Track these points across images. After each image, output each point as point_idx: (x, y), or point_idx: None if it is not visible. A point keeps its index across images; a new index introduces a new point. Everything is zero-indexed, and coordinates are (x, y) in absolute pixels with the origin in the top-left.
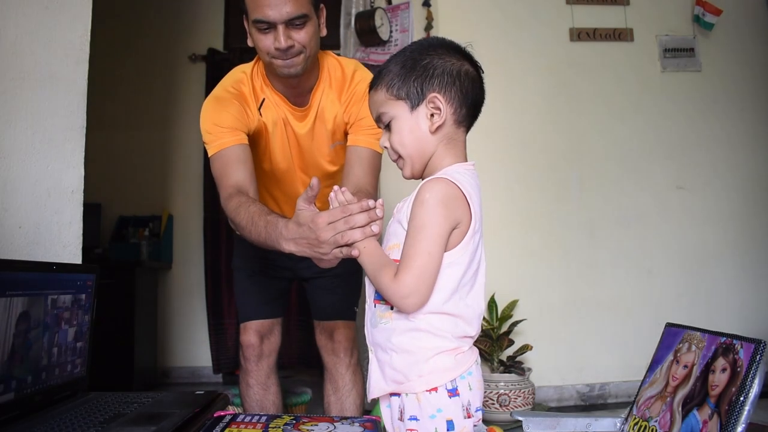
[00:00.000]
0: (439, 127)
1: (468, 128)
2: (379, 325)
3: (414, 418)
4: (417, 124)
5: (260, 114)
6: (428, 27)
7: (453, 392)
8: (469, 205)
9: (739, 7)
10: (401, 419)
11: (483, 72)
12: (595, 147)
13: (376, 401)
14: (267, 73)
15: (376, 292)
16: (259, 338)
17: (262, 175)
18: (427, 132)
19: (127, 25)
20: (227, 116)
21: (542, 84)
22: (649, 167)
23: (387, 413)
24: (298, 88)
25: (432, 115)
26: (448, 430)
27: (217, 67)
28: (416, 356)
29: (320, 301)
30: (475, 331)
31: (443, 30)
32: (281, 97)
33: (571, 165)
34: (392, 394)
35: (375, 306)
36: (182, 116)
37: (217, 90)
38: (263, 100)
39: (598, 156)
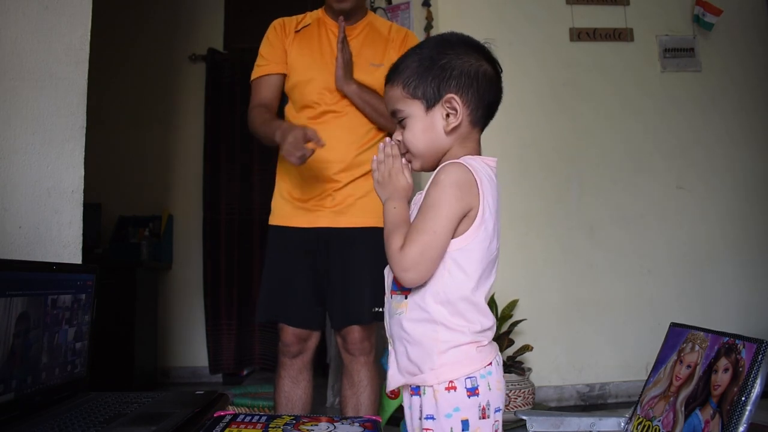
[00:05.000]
0: (454, 128)
1: (483, 128)
2: (395, 315)
3: (430, 417)
4: (432, 124)
5: (295, 33)
6: (428, 27)
7: (472, 391)
8: (479, 191)
9: (739, 7)
10: (420, 418)
11: (501, 70)
12: (595, 147)
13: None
14: (325, 8)
15: (393, 283)
16: (297, 339)
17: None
18: (442, 132)
19: (127, 25)
20: (266, 46)
21: (542, 84)
22: (649, 167)
23: (408, 414)
24: (349, 20)
25: (448, 116)
26: (462, 430)
27: (217, 67)
28: (429, 348)
29: (334, 305)
30: (491, 322)
31: (443, 30)
32: (332, 21)
33: (571, 165)
34: (412, 395)
35: (391, 297)
36: (182, 116)
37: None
38: (308, 24)
39: (598, 156)
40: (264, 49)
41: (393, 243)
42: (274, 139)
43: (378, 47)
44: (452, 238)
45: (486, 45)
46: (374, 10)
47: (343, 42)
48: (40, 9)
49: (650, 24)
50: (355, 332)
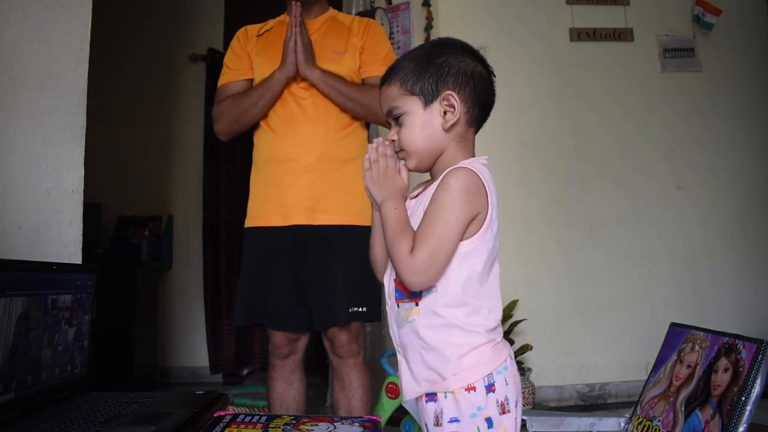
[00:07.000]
0: (452, 125)
1: (477, 129)
2: (405, 324)
3: (455, 420)
4: (429, 121)
5: (257, 38)
6: (428, 27)
7: (489, 388)
8: (487, 195)
9: (739, 7)
10: (438, 424)
11: (495, 76)
12: (594, 147)
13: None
14: (286, 8)
15: (397, 290)
16: (287, 340)
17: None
18: (440, 129)
19: (127, 25)
20: (229, 56)
21: (542, 84)
22: (649, 167)
23: (422, 420)
24: (310, 14)
25: (445, 113)
26: (488, 428)
27: (217, 67)
28: (449, 354)
29: (313, 307)
30: (500, 312)
31: (443, 30)
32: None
33: (570, 165)
34: (428, 401)
35: (398, 306)
36: (182, 116)
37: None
38: (270, 28)
39: (598, 156)
40: (228, 58)
41: (401, 247)
42: (272, 82)
43: (341, 36)
44: (461, 241)
45: (480, 51)
46: (374, 10)
47: (301, 26)
48: (40, 9)
49: (650, 24)
50: (342, 335)
